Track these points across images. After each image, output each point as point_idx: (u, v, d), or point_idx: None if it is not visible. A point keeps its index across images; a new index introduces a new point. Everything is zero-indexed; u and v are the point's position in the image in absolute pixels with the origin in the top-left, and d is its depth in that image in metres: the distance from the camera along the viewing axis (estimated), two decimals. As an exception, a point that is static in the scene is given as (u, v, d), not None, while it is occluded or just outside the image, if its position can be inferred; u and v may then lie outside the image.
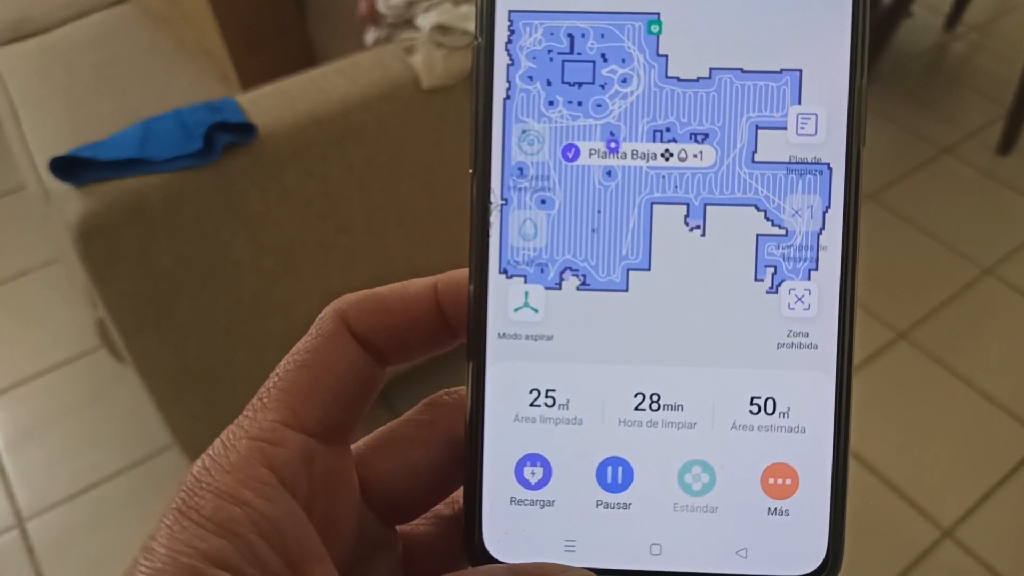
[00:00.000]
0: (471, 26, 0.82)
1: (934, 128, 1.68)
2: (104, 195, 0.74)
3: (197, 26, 1.08)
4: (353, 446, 0.20)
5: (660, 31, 0.19)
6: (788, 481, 0.19)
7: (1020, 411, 1.21)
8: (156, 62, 1.18)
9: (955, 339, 1.31)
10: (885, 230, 1.47)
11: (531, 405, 0.20)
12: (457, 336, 0.20)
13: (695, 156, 0.19)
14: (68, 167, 0.74)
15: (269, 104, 0.82)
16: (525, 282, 0.20)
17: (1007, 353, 1.31)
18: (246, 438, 0.18)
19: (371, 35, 0.91)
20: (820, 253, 0.19)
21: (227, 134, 0.76)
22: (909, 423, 1.20)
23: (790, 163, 0.19)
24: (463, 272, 0.20)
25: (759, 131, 0.19)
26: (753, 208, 0.19)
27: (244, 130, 0.77)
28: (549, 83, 0.20)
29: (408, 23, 0.86)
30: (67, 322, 1.32)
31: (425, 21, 0.83)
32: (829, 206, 0.19)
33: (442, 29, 0.83)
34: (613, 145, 0.20)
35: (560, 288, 0.20)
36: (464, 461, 0.20)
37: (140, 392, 0.93)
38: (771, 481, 0.19)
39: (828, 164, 0.19)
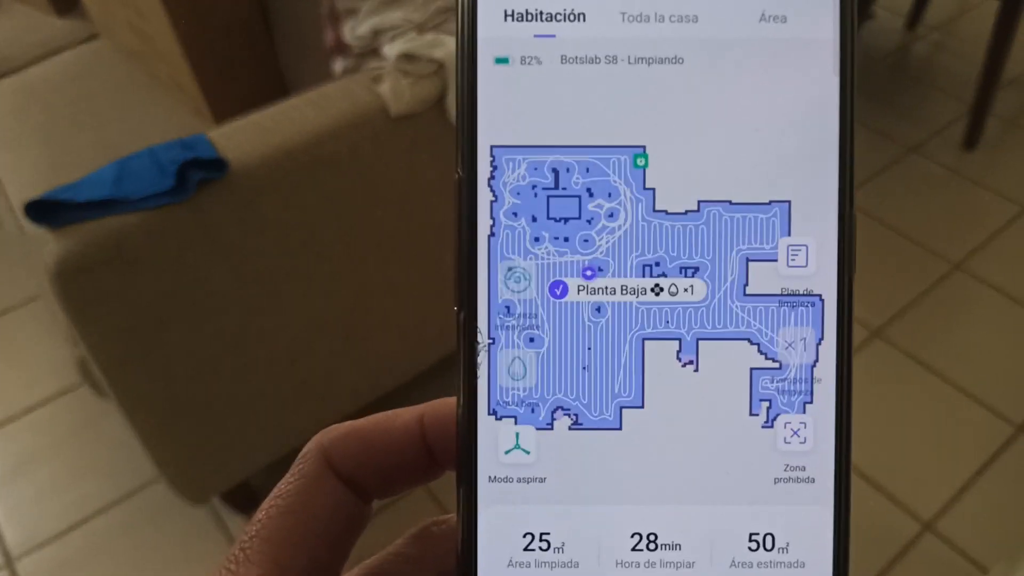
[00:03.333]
0: (436, 54, 0.84)
1: (900, 127, 1.72)
2: (81, 235, 0.75)
3: (168, 61, 1.10)
4: None
5: (646, 164, 0.19)
6: None
7: (995, 402, 1.24)
8: (131, 97, 1.20)
9: (928, 334, 1.34)
10: (855, 229, 1.49)
11: (525, 549, 0.19)
12: (444, 469, 0.20)
13: (686, 290, 0.19)
14: (44, 210, 0.75)
15: (242, 137, 0.83)
16: (515, 423, 0.19)
17: (980, 345, 1.34)
18: None
19: (339, 64, 0.92)
20: (815, 385, 0.19)
21: (199, 170, 0.77)
22: (886, 419, 1.23)
23: (782, 295, 0.19)
24: (449, 404, 0.20)
25: (750, 264, 0.19)
26: (746, 342, 0.19)
27: (216, 166, 0.79)
28: (534, 219, 0.19)
29: (374, 52, 0.88)
30: (51, 358, 1.33)
31: (391, 50, 0.84)
32: (822, 338, 0.19)
33: (407, 58, 0.84)
34: (602, 281, 0.19)
35: (552, 428, 0.19)
36: None
37: (126, 425, 0.94)
38: None
39: (820, 295, 0.19)
